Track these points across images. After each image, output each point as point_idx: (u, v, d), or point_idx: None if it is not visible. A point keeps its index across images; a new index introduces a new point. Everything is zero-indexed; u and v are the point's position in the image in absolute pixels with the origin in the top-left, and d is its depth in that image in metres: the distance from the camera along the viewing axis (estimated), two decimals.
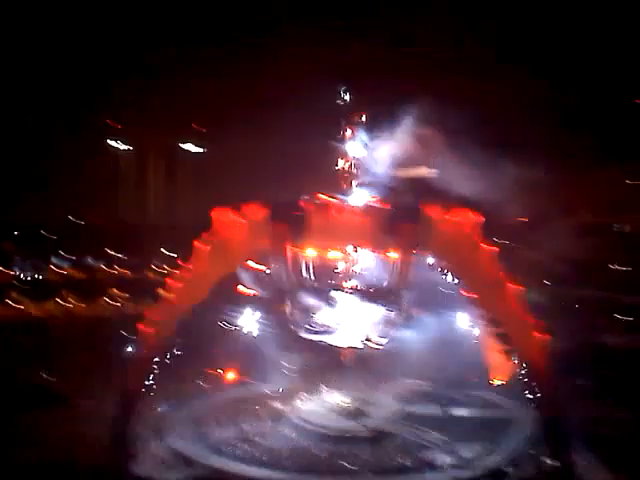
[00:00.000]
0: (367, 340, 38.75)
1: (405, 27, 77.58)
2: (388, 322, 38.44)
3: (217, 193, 73.76)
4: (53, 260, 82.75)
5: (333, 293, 38.71)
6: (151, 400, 37.22)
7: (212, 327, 47.35)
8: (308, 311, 38.57)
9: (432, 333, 42.99)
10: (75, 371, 48.22)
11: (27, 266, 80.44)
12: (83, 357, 51.41)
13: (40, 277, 79.76)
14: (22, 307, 69.40)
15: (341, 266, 40.98)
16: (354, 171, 41.34)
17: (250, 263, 39.54)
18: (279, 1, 79.06)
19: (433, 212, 35.41)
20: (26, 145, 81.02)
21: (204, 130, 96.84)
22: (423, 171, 53.07)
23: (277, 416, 40.79)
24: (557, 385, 34.41)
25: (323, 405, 41.55)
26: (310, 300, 38.31)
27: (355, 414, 39.57)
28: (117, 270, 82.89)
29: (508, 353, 35.61)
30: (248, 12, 79.68)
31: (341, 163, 41.28)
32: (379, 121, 42.63)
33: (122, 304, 72.35)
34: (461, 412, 41.08)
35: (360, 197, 39.23)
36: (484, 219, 35.59)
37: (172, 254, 77.75)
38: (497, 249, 35.25)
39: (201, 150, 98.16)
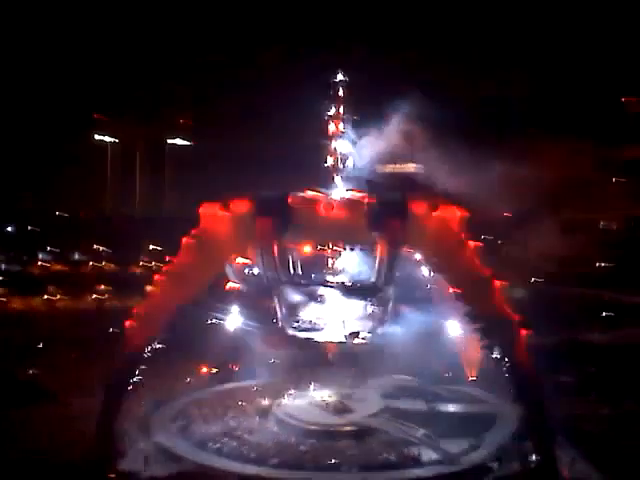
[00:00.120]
0: (352, 336, 38.87)
1: (391, 25, 77.76)
2: (374, 318, 38.64)
3: (205, 187, 73.50)
4: (40, 255, 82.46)
5: (319, 289, 38.82)
6: (137, 396, 37.12)
7: (199, 323, 47.39)
8: (294, 307, 38.67)
9: (417, 329, 43.22)
10: (61, 367, 48.05)
11: (13, 260, 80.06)
12: (69, 353, 51.30)
13: (26, 271, 79.39)
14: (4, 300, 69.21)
15: (327, 262, 41.05)
16: (341, 167, 41.47)
17: (237, 259, 39.59)
18: None
19: (419, 208, 35.57)
20: (13, 140, 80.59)
21: (191, 123, 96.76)
22: (410, 167, 53.30)
23: (263, 412, 40.84)
24: (540, 381, 34.61)
25: (309, 401, 41.61)
26: (296, 296, 38.40)
27: (340, 410, 39.63)
28: (104, 265, 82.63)
29: (491, 348, 35.69)
30: (236, 9, 79.64)
31: (328, 159, 41.42)
32: (366, 117, 42.76)
33: (108, 299, 72.17)
34: (446, 408, 41.29)
35: (346, 193, 39.32)
36: (469, 215, 35.81)
37: (160, 249, 77.58)
38: (481, 245, 35.44)
39: (188, 143, 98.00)
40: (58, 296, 71.25)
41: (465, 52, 75.18)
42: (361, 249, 39.58)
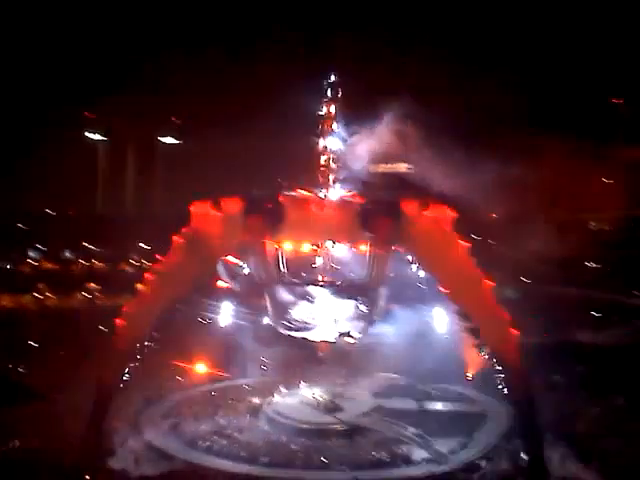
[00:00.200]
0: (343, 335, 38.90)
1: (384, 24, 77.80)
2: (365, 317, 38.62)
3: (195, 186, 73.36)
4: (29, 252, 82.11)
5: (310, 288, 38.80)
6: (128, 394, 37.05)
7: (190, 321, 47.34)
8: (285, 306, 38.63)
9: (408, 328, 43.36)
10: (50, 365, 47.77)
11: (2, 258, 79.65)
12: (58, 351, 51.07)
13: (15, 269, 79.03)
14: None
15: (318, 261, 41.06)
16: (332, 166, 41.44)
17: (228, 257, 39.55)
18: None
19: (410, 208, 35.57)
20: (1, 138, 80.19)
21: (179, 122, 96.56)
22: (401, 167, 53.35)
23: (254, 410, 40.97)
24: (530, 380, 34.69)
25: (299, 399, 41.76)
26: (287, 295, 38.37)
27: (331, 408, 39.77)
28: (93, 263, 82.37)
29: (481, 348, 35.75)
30: (227, 8, 79.53)
31: (320, 158, 41.40)
32: (358, 117, 42.74)
33: (98, 297, 71.94)
34: (436, 406, 41.51)
35: (338, 192, 39.33)
36: (458, 215, 35.82)
37: (150, 247, 77.38)
38: (469, 244, 35.46)
39: (177, 142, 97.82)
40: (47, 294, 71.01)
41: (459, 52, 75.25)
42: (352, 248, 39.62)
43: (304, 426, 37.83)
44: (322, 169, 41.15)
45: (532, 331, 40.47)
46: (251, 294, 40.19)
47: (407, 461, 34.30)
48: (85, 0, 79.09)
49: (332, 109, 41.84)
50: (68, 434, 35.30)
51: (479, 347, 35.79)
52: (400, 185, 47.05)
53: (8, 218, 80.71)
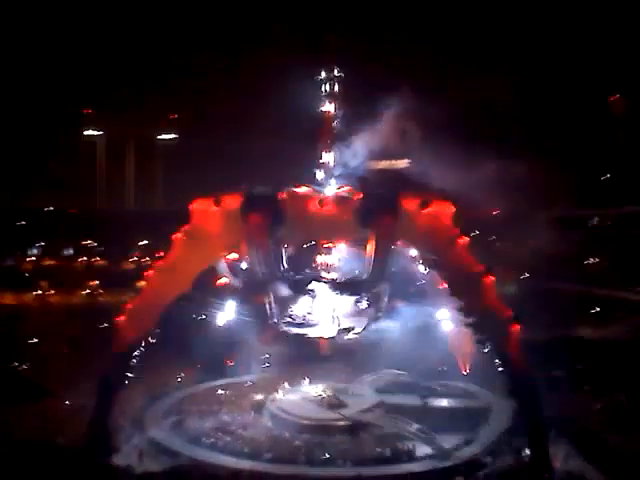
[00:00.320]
0: (346, 332, 38.96)
1: (386, 23, 77.80)
2: (367, 313, 38.68)
3: (196, 183, 73.36)
4: (30, 250, 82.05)
5: (311, 285, 38.86)
6: (131, 391, 37.14)
7: (192, 319, 47.47)
8: (287, 302, 38.68)
9: (411, 324, 43.38)
10: (53, 362, 47.92)
11: (3, 256, 79.62)
12: (61, 348, 51.20)
13: (17, 267, 78.93)
14: None
15: (319, 258, 41.12)
16: (332, 163, 41.50)
17: (229, 255, 39.58)
18: None
19: (410, 204, 35.66)
20: (1, 136, 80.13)
21: (182, 119, 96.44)
22: (401, 163, 53.33)
23: (257, 407, 41.03)
24: (532, 376, 34.78)
25: (303, 396, 41.83)
26: (289, 292, 38.42)
27: (335, 405, 39.79)
28: (95, 260, 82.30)
29: (483, 343, 35.80)
30: (227, 6, 79.46)
31: (319, 155, 41.46)
32: (358, 114, 42.78)
33: (99, 294, 71.98)
34: (440, 403, 41.51)
35: (339, 189, 39.37)
36: (460, 211, 35.91)
37: (150, 244, 77.43)
38: (469, 239, 35.52)
39: (177, 140, 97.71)
40: (50, 291, 71.04)
41: (459, 49, 75.24)
42: (354, 245, 39.71)
43: (307, 422, 37.85)
44: (322, 166, 41.27)
45: (533, 327, 40.39)
46: (252, 291, 40.16)
47: (411, 457, 34.32)
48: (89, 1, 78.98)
49: (332, 106, 41.94)
50: (72, 431, 35.45)
51: (481, 343, 35.86)
52: (401, 182, 47.02)
53: (9, 216, 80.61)
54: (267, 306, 38.46)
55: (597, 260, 67.55)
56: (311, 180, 40.27)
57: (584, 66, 73.44)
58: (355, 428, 37.64)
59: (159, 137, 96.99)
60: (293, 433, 37.08)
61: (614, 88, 74.98)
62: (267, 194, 36.42)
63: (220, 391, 44.03)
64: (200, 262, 37.21)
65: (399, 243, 37.16)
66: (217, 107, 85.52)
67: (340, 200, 37.18)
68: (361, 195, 36.53)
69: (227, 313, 43.47)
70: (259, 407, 40.95)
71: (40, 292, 70.51)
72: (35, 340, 52.91)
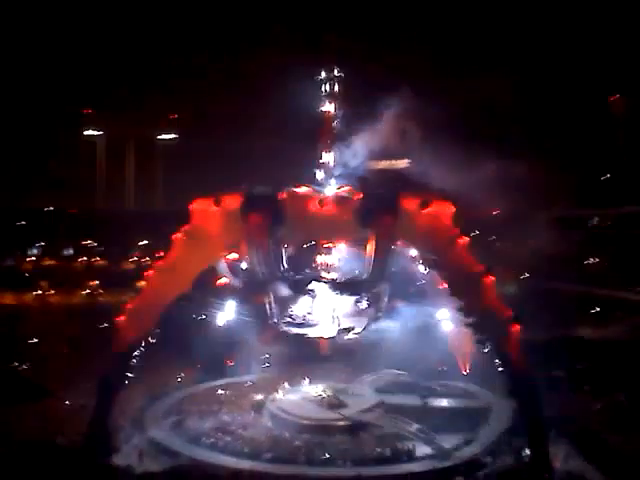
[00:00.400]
0: (346, 332, 38.96)
1: (386, 22, 77.82)
2: (367, 314, 38.67)
3: (196, 183, 73.39)
4: (30, 250, 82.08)
5: (311, 285, 38.86)
6: (131, 391, 37.15)
7: (192, 319, 47.47)
8: (287, 303, 38.68)
9: (411, 324, 43.38)
10: (53, 362, 47.94)
11: (3, 256, 79.61)
12: (61, 348, 51.21)
13: (17, 267, 78.93)
14: None
15: (319, 258, 41.11)
16: (332, 163, 41.49)
17: (229, 255, 39.57)
18: None
19: (410, 204, 35.64)
20: (2, 136, 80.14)
21: (181, 119, 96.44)
22: (402, 163, 53.31)
23: (257, 407, 41.03)
24: (532, 376, 34.76)
25: (303, 396, 41.82)
26: (288, 292, 38.41)
27: (335, 405, 39.78)
28: (95, 260, 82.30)
29: (482, 343, 35.79)
30: (228, 6, 79.49)
31: (321, 155, 41.46)
32: (358, 114, 42.77)
33: (99, 294, 72.01)
34: (440, 403, 41.52)
35: (338, 189, 39.36)
36: (455, 210, 35.87)
37: (151, 244, 77.47)
38: (469, 239, 35.50)
39: (177, 140, 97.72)
40: (50, 291, 71.07)
41: (458, 49, 75.28)
42: (354, 245, 39.71)
43: (307, 422, 37.85)
44: (321, 166, 41.26)
45: (533, 327, 40.39)
46: (252, 291, 40.16)
47: (411, 457, 34.31)
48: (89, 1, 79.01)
49: (332, 106, 41.94)
50: (72, 430, 35.50)
51: (481, 343, 35.83)
52: (400, 181, 47.01)
53: (9, 216, 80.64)
54: (267, 306, 38.45)
55: (597, 260, 67.54)
56: (311, 180, 40.28)
57: (584, 66, 73.46)
58: (355, 428, 37.63)
59: (159, 137, 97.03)
60: (293, 433, 37.04)
61: (614, 88, 75.02)
62: (267, 194, 36.40)
63: (220, 391, 44.03)
64: (200, 262, 37.19)
65: (399, 243, 37.13)
66: (217, 107, 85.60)
67: (340, 200, 37.16)
68: (361, 195, 36.50)
69: (227, 313, 43.47)
70: (259, 407, 40.95)
71: (40, 292, 70.55)
72: (35, 340, 52.92)
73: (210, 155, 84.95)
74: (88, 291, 72.32)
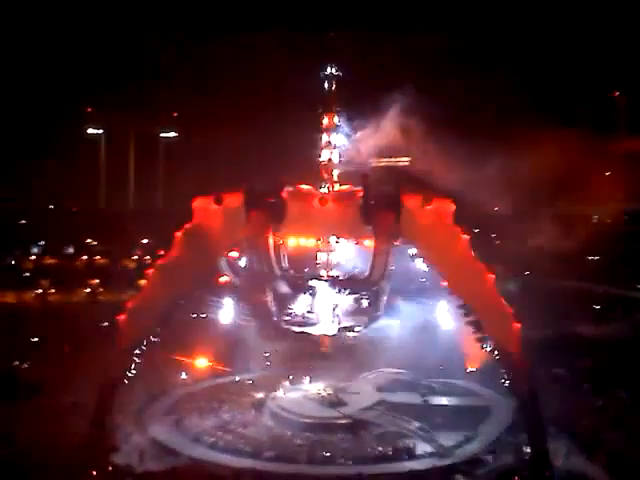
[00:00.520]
0: (346, 330, 38.92)
1: (388, 19, 77.79)
2: (367, 311, 38.63)
3: (198, 181, 73.42)
4: (31, 249, 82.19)
5: (312, 282, 38.83)
6: (131, 390, 37.06)
7: (193, 317, 47.45)
8: (288, 300, 38.66)
9: (412, 322, 43.35)
10: (53, 360, 47.87)
11: (4, 254, 79.66)
12: (62, 346, 51.15)
13: (18, 265, 78.99)
14: None
15: (320, 255, 41.04)
16: (334, 160, 41.39)
17: (232, 253, 39.51)
18: None
19: (412, 201, 35.51)
20: (4, 133, 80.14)
21: (181, 118, 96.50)
22: (403, 161, 53.25)
23: (258, 405, 41.06)
24: (533, 373, 34.67)
25: (303, 394, 41.83)
26: (289, 290, 38.37)
27: (335, 403, 39.81)
28: (95, 259, 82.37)
29: (483, 341, 35.70)
30: (226, 3, 79.48)
31: (323, 153, 41.36)
32: (360, 111, 42.71)
33: (100, 293, 72.01)
34: (440, 401, 41.59)
35: (340, 186, 39.29)
36: (458, 208, 35.77)
37: (152, 242, 77.57)
38: (469, 237, 35.38)
39: (179, 137, 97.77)
40: (50, 290, 71.12)
41: (460, 45, 75.24)
42: (355, 243, 39.65)
43: (308, 421, 37.86)
44: (324, 164, 41.16)
45: (534, 324, 40.36)
46: (253, 289, 40.13)
47: (411, 455, 34.37)
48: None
49: (334, 104, 41.83)
50: (72, 430, 35.38)
51: (482, 341, 35.74)
52: (401, 178, 46.91)
53: (11, 214, 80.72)
54: (268, 304, 38.40)
55: (598, 257, 67.56)
56: (313, 178, 40.17)
57: (587, 61, 73.42)
58: (356, 426, 37.68)
59: (161, 135, 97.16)
60: (294, 431, 37.10)
61: (618, 83, 75.07)
62: (268, 192, 36.32)
63: (220, 390, 44.04)
64: (202, 260, 36.99)
65: (399, 241, 37.04)
66: (221, 105, 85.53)
67: (341, 198, 37.13)
68: (362, 193, 36.42)
69: (228, 311, 43.44)
70: (260, 405, 40.96)
71: (41, 291, 70.59)
72: (36, 339, 52.93)
73: (211, 153, 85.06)
74: (89, 290, 72.35)
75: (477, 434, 36.28)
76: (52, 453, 33.82)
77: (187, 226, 36.30)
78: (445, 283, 37.16)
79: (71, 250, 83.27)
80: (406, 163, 52.68)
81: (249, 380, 45.54)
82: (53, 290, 71.22)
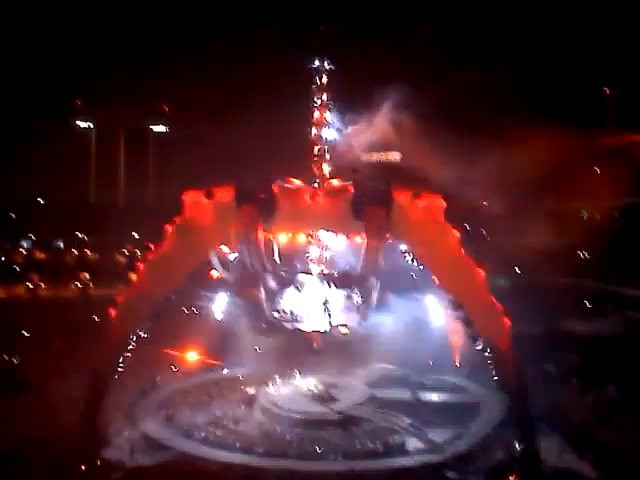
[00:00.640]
0: (337, 325, 38.85)
1: (377, 11, 77.76)
2: (358, 308, 38.55)
3: (189, 175, 73.28)
4: (21, 242, 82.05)
5: (302, 278, 38.69)
6: (122, 385, 37.02)
7: (183, 311, 47.36)
8: (278, 296, 38.55)
9: (402, 319, 43.38)
10: (44, 356, 47.71)
11: None
12: (52, 341, 50.96)
13: (8, 259, 78.84)
14: None
15: (311, 251, 40.95)
16: (325, 155, 41.31)
17: (222, 247, 39.38)
18: None
19: (402, 197, 35.43)
20: None
21: (172, 110, 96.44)
22: (394, 155, 53.31)
23: (248, 401, 41.04)
24: (524, 370, 34.77)
25: (294, 390, 41.86)
26: (280, 285, 38.26)
27: (326, 399, 39.80)
28: (86, 253, 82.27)
29: (474, 337, 35.76)
30: None
31: (313, 147, 41.27)
32: (350, 105, 42.67)
33: (91, 287, 71.88)
34: (431, 397, 41.64)
35: (330, 181, 39.19)
36: (449, 204, 35.74)
37: (143, 236, 77.41)
38: (460, 234, 35.38)
39: (170, 130, 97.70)
40: (40, 284, 70.97)
41: (450, 39, 75.48)
42: (346, 238, 39.55)
43: (299, 416, 37.86)
44: (314, 158, 41.07)
45: (525, 320, 40.48)
46: (243, 284, 40.00)
47: (402, 451, 34.32)
48: None
49: (324, 97, 41.72)
50: (62, 425, 35.31)
51: (472, 337, 35.79)
52: (392, 173, 46.95)
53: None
54: (259, 299, 38.32)
55: (590, 253, 67.78)
56: (303, 172, 40.09)
57: (581, 53, 73.67)
58: (347, 422, 37.63)
59: (152, 128, 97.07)
60: (284, 427, 37.06)
61: (605, 81, 75.29)
62: (259, 186, 36.14)
63: (211, 385, 44.02)
64: (192, 255, 36.84)
65: (390, 236, 36.97)
66: (212, 97, 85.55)
67: (332, 193, 36.96)
68: (353, 187, 36.30)
69: (218, 306, 43.38)
70: (250, 401, 40.95)
71: (30, 285, 70.41)
72: (25, 333, 52.76)
73: (204, 146, 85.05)
74: (79, 284, 72.20)
75: (468, 430, 36.28)
76: (41, 448, 33.74)
77: (177, 220, 36.17)
78: (435, 279, 37.20)
79: (60, 244, 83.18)
80: (397, 159, 52.77)
81: (240, 375, 45.48)
82: (42, 284, 71.09)
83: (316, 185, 38.86)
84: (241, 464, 32.83)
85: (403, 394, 41.49)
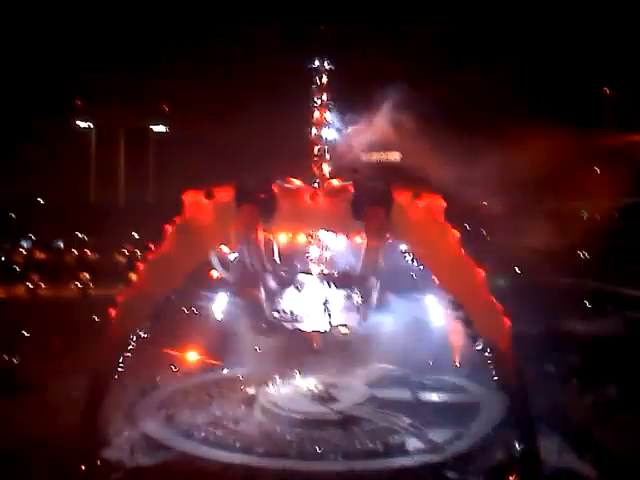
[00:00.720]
0: (337, 325, 38.82)
1: (377, 11, 77.77)
2: (358, 308, 38.52)
3: (188, 174, 73.27)
4: (21, 242, 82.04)
5: (302, 278, 38.64)
6: (122, 385, 37.00)
7: (183, 311, 47.34)
8: (278, 296, 38.51)
9: (402, 319, 43.39)
10: (44, 356, 47.68)
11: None
12: (52, 341, 50.94)
13: (8, 259, 78.83)
14: None
15: (311, 251, 40.94)
16: (325, 155, 41.30)
17: (222, 247, 39.36)
18: None
19: (402, 197, 35.42)
20: None
21: (172, 110, 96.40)
22: (394, 155, 53.30)
23: (248, 401, 41.01)
24: (524, 370, 34.77)
25: (294, 389, 41.85)
26: (280, 285, 38.22)
27: (326, 399, 39.78)
28: (86, 252, 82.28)
29: (474, 338, 35.76)
30: None
31: (313, 147, 41.25)
32: (350, 105, 42.67)
33: (91, 287, 71.88)
34: (431, 397, 41.62)
35: (330, 180, 39.18)
36: (449, 204, 35.73)
37: (143, 237, 77.37)
38: (460, 234, 35.36)
39: (170, 130, 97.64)
40: (40, 284, 70.96)
41: (450, 40, 75.48)
42: (346, 238, 39.53)
43: (299, 416, 37.83)
44: (314, 158, 41.05)
45: (525, 321, 40.46)
46: (245, 284, 39.98)
47: (402, 451, 34.27)
48: None
49: (324, 97, 41.70)
50: (62, 425, 35.28)
51: (472, 337, 35.79)
52: (392, 173, 46.93)
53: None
54: (259, 299, 38.29)
55: (590, 253, 67.75)
56: (303, 172, 40.08)
57: (581, 53, 73.67)
58: (347, 422, 37.61)
59: (152, 128, 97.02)
60: (284, 427, 37.03)
61: (605, 81, 75.30)
62: (259, 186, 36.12)
63: (211, 385, 44.00)
64: (192, 255, 36.86)
65: (390, 236, 36.96)
66: (213, 97, 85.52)
67: (332, 193, 36.94)
68: (353, 187, 36.28)
69: (218, 306, 43.38)
70: (250, 401, 40.93)
71: (30, 285, 70.39)
72: (25, 333, 52.74)
73: (203, 147, 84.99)
74: (79, 284, 72.18)
75: (468, 430, 36.24)
76: (41, 448, 33.70)
77: (177, 220, 36.17)
78: (435, 279, 37.19)
79: (60, 244, 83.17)
80: (397, 159, 52.76)
81: (240, 375, 45.47)
82: (42, 284, 71.08)
83: (316, 185, 38.82)
84: (241, 464, 32.78)
85: (403, 394, 41.49)
